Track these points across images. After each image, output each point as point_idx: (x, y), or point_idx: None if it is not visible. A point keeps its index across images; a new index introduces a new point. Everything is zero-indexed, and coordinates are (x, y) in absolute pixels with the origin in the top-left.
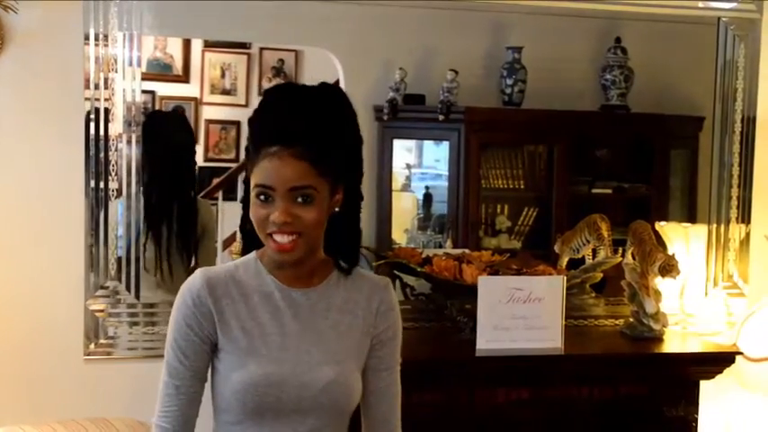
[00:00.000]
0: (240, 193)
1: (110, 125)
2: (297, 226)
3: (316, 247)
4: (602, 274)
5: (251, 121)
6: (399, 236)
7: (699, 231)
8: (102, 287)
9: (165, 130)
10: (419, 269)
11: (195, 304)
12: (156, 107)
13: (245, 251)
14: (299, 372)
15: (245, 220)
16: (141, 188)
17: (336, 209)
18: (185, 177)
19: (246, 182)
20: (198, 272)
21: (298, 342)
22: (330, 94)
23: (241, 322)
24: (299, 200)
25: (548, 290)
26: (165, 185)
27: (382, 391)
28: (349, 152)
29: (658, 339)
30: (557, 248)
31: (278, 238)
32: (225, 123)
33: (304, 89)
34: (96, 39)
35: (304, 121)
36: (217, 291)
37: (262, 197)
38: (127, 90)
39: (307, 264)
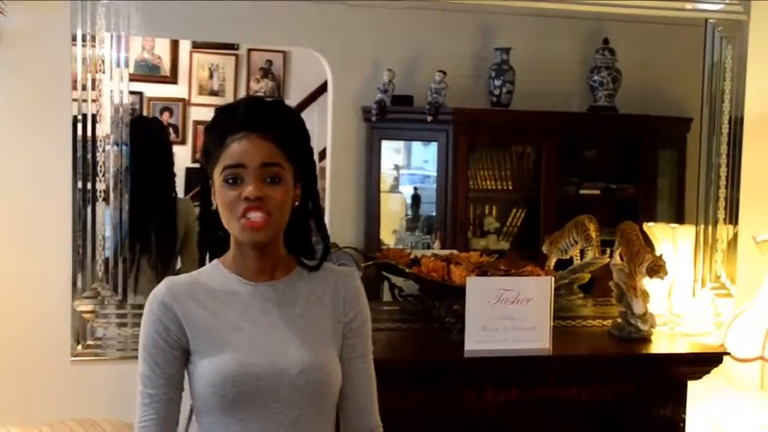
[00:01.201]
0: None
1: (97, 126)
2: (268, 204)
3: (279, 238)
4: (590, 275)
5: (209, 126)
6: (388, 237)
7: (686, 232)
8: (90, 288)
9: (142, 136)
10: (407, 270)
11: (161, 311)
12: (144, 108)
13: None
14: (274, 359)
15: (203, 237)
16: (128, 192)
17: (296, 203)
18: (164, 181)
19: (202, 198)
20: (163, 280)
21: (269, 331)
22: (283, 103)
23: (209, 322)
24: (268, 180)
25: (536, 291)
26: (143, 192)
27: (357, 379)
28: (305, 151)
29: (646, 340)
30: (545, 249)
31: (251, 215)
32: None
33: (251, 96)
34: (84, 40)
35: (265, 112)
36: (181, 295)
37: (230, 180)
38: (114, 91)
39: (269, 256)
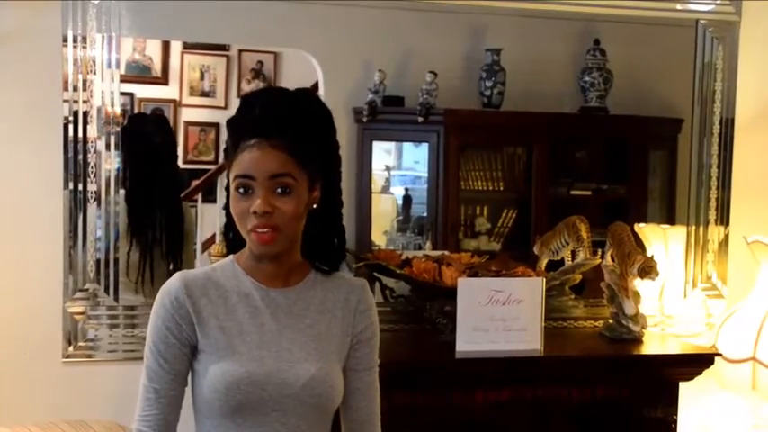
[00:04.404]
0: (222, 200)
1: (88, 127)
2: (276, 218)
3: (294, 245)
4: (581, 276)
5: (230, 120)
6: (379, 238)
7: (678, 233)
8: (81, 290)
9: (145, 133)
10: (399, 271)
11: (173, 306)
12: (135, 109)
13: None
14: (281, 369)
15: (229, 227)
16: (123, 192)
17: (314, 206)
18: (168, 181)
19: (228, 188)
20: (176, 275)
21: (278, 340)
22: (306, 94)
23: (220, 322)
24: (279, 190)
25: (527, 291)
26: (147, 190)
27: (362, 391)
28: (325, 149)
29: (637, 341)
30: (536, 250)
31: (259, 230)
32: (204, 125)
33: (281, 90)
34: (75, 41)
35: (281, 114)
36: (195, 292)
37: (241, 190)
38: (105, 92)
39: (284, 263)
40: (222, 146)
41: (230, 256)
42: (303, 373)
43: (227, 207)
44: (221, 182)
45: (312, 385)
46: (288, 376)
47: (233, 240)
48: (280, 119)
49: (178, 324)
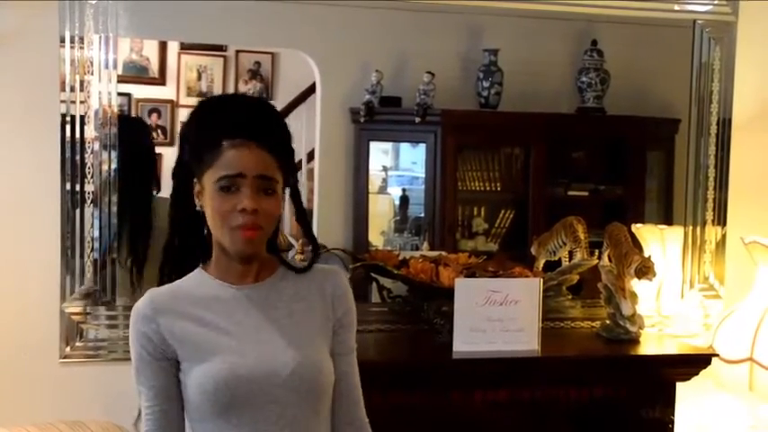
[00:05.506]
0: None
1: (85, 128)
2: (260, 217)
3: (265, 244)
4: (578, 277)
5: (198, 126)
6: (376, 238)
7: (675, 233)
8: (79, 290)
9: (122, 135)
10: (396, 272)
11: (143, 323)
12: (133, 110)
13: (175, 271)
14: (265, 361)
15: (174, 234)
16: (117, 191)
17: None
18: (146, 179)
19: (176, 204)
20: (146, 293)
21: (256, 335)
22: (263, 100)
23: (195, 330)
24: (263, 192)
25: (524, 292)
26: (129, 188)
27: (348, 375)
28: (291, 153)
29: (635, 341)
30: (533, 251)
31: (244, 228)
32: None
33: (240, 95)
34: (72, 41)
35: (259, 117)
36: (163, 306)
37: (224, 190)
38: (103, 93)
39: (254, 261)
40: None
41: (198, 268)
42: (288, 360)
43: (173, 221)
44: (170, 203)
45: (300, 372)
46: (273, 368)
47: (178, 249)
48: (260, 122)
49: (151, 341)
